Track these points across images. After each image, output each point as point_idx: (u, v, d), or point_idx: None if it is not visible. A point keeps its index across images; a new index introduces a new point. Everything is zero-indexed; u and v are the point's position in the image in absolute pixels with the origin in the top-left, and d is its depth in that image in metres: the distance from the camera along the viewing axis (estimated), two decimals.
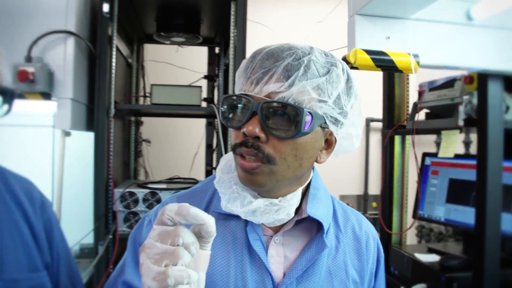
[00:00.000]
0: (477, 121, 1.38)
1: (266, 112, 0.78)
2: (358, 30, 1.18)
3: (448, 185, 1.82)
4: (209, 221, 0.63)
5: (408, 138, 1.93)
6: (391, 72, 1.93)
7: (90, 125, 2.00)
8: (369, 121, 3.40)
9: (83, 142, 2.04)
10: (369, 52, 1.18)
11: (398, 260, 1.84)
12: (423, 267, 1.65)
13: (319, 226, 0.91)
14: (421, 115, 1.88)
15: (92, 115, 1.96)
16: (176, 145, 3.16)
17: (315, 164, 0.91)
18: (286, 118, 0.78)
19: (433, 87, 1.67)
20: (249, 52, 1.98)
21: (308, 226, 0.92)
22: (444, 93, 1.61)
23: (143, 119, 2.88)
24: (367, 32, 1.19)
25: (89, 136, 1.96)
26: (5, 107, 0.87)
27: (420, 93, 1.75)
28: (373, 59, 1.18)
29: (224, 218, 0.89)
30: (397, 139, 1.91)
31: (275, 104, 0.78)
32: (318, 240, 0.90)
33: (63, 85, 1.77)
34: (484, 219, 1.35)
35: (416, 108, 1.76)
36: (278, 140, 0.79)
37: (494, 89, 1.36)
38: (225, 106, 0.84)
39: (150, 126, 2.99)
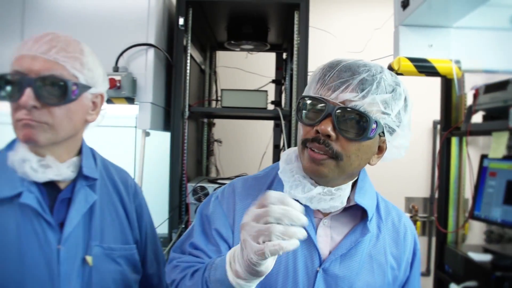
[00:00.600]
0: None
1: (340, 116, 0.93)
2: (402, 39, 1.29)
3: (505, 187, 1.84)
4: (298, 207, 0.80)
5: (465, 139, 1.97)
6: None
7: (167, 126, 2.24)
8: (436, 123, 3.38)
9: (161, 141, 2.29)
10: (412, 59, 1.28)
11: (452, 259, 1.89)
12: (475, 266, 1.69)
13: (364, 214, 1.05)
14: (478, 118, 1.91)
15: (168, 117, 2.20)
16: (245, 146, 3.36)
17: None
18: (356, 123, 0.93)
19: (487, 89, 1.70)
20: (312, 58, 2.12)
21: (354, 214, 1.07)
22: (497, 96, 1.64)
23: (215, 120, 3.10)
24: (410, 41, 1.29)
25: (166, 136, 2.20)
26: (65, 96, 1.04)
27: (475, 96, 1.78)
28: (415, 66, 1.28)
29: None
30: (454, 140, 1.95)
31: (349, 110, 0.92)
32: (363, 225, 1.04)
33: (144, 91, 2.02)
34: None
35: (471, 110, 1.80)
36: (346, 140, 0.94)
37: None
38: (302, 105, 0.98)
39: (221, 127, 3.21)
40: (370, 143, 0.97)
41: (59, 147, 1.08)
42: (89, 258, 1.07)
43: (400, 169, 3.55)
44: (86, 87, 1.08)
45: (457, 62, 1.28)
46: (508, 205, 1.79)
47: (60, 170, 1.07)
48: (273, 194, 0.79)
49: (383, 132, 0.96)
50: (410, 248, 1.13)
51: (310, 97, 0.97)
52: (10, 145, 1.10)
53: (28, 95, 0.98)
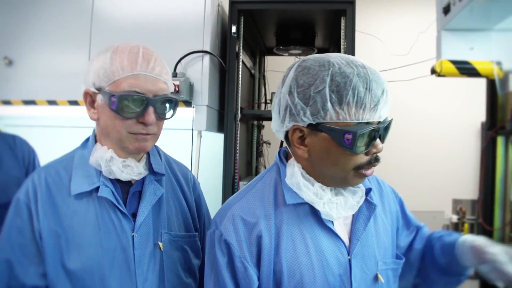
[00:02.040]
0: None
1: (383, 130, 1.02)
2: (444, 43, 1.36)
3: None
4: None
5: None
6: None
7: (220, 127, 2.39)
8: (484, 125, 3.36)
9: (215, 143, 2.44)
10: (453, 62, 1.35)
11: None
12: None
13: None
14: None
15: (222, 119, 2.35)
16: None
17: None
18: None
19: None
20: None
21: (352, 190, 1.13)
22: None
23: (264, 123, 3.23)
24: (452, 45, 1.36)
25: (220, 137, 2.35)
26: (171, 112, 1.21)
27: None
28: (457, 68, 1.35)
29: (293, 206, 1.06)
30: (500, 140, 1.99)
31: (387, 123, 1.02)
32: (367, 201, 1.11)
33: (200, 95, 2.18)
34: None
35: None
36: None
37: None
38: (358, 140, 0.96)
39: (270, 129, 3.32)
40: None
41: None
42: (160, 244, 1.20)
43: (448, 171, 3.55)
44: None
45: (498, 63, 1.34)
46: None
47: (139, 170, 1.21)
48: None
49: None
50: (393, 199, 1.24)
51: (363, 126, 0.96)
52: (84, 146, 1.24)
53: (151, 113, 1.12)
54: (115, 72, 1.11)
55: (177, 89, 2.09)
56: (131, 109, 1.11)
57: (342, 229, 1.09)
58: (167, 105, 1.18)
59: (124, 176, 1.17)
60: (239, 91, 2.32)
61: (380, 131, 0.97)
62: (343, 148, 0.95)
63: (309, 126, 0.98)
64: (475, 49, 1.35)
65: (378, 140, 0.98)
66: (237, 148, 2.31)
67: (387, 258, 1.13)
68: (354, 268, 1.06)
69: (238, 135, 2.32)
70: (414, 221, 1.27)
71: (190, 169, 2.28)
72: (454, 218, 3.66)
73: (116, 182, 1.20)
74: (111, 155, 1.18)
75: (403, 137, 4.05)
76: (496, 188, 2.00)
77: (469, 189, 3.51)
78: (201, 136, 2.23)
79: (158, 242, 1.20)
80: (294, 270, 1.01)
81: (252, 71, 3.04)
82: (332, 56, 0.99)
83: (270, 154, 3.23)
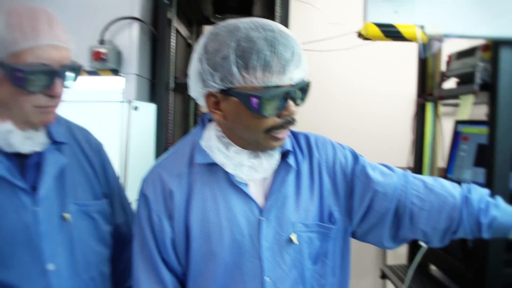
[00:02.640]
0: (490, 86, 1.50)
1: (298, 94, 1.01)
2: (369, 6, 1.35)
3: (476, 150, 1.92)
4: None
5: (444, 109, 2.05)
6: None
7: (153, 98, 2.31)
8: None
9: (147, 113, 2.35)
10: (378, 25, 1.34)
11: None
12: None
13: (283, 154, 1.13)
14: (453, 85, 1.99)
15: (155, 89, 2.27)
16: None
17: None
18: (305, 92, 1.04)
19: (458, 55, 1.78)
20: (293, 31, 2.17)
21: (270, 152, 1.12)
22: (467, 61, 1.71)
23: None
24: (377, 8, 1.35)
25: (153, 108, 2.27)
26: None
27: (448, 62, 1.86)
28: (382, 31, 1.35)
29: (207, 167, 1.09)
30: (429, 107, 2.03)
31: (302, 85, 1.01)
32: (284, 163, 1.12)
33: (129, 63, 2.09)
34: (493, 178, 1.47)
35: (443, 76, 1.88)
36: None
37: (506, 55, 1.47)
38: (265, 103, 0.96)
39: None
40: None
41: None
42: (67, 215, 1.15)
43: (383, 139, 3.64)
44: None
45: (421, 27, 1.35)
46: (477, 167, 1.88)
47: (41, 139, 1.13)
48: None
49: None
50: (331, 152, 1.20)
51: (268, 87, 0.96)
52: None
53: (59, 85, 1.06)
54: (15, 42, 1.00)
55: (104, 57, 2.00)
56: (39, 83, 1.03)
57: (258, 189, 1.11)
58: (72, 73, 1.10)
59: (26, 149, 1.10)
60: (172, 60, 2.25)
61: (292, 94, 0.98)
62: (252, 111, 0.96)
63: (222, 91, 0.99)
64: (399, 12, 1.35)
65: (290, 103, 0.99)
66: (169, 118, 2.25)
67: (309, 221, 1.12)
68: (266, 228, 1.08)
69: (171, 105, 2.25)
70: (376, 181, 1.16)
71: (120, 142, 2.23)
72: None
73: (13, 156, 1.10)
74: (9, 128, 1.08)
75: (339, 107, 4.13)
76: (424, 155, 2.05)
77: (404, 157, 3.62)
78: (132, 106, 2.14)
79: (65, 213, 1.15)
80: (203, 227, 1.06)
81: (189, 41, 2.96)
82: (243, 22, 0.99)
83: None
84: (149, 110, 2.24)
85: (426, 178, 1.20)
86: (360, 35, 1.40)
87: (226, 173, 1.07)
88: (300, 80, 1.00)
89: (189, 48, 2.99)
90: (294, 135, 1.22)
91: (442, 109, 2.08)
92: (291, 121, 1.03)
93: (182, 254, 1.08)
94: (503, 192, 1.46)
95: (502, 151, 1.47)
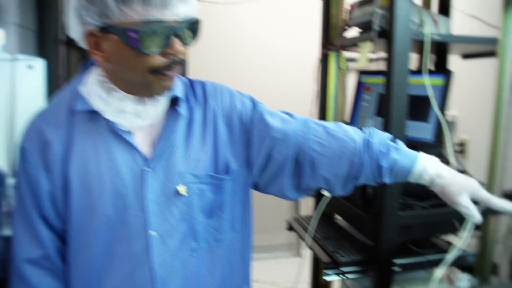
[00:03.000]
0: (387, 32, 1.48)
1: (183, 30, 0.95)
2: None
3: (377, 99, 1.95)
4: None
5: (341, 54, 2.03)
6: None
7: (42, 53, 2.08)
8: None
9: (35, 70, 2.12)
10: None
11: None
12: None
13: (172, 101, 1.08)
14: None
15: (44, 43, 2.04)
16: None
17: None
18: (193, 30, 0.99)
19: (360, 4, 1.75)
20: None
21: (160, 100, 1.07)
22: (367, 10, 1.69)
23: None
24: None
25: (40, 64, 2.04)
26: None
27: (350, 11, 1.83)
28: None
29: (88, 116, 1.03)
30: (332, 57, 2.01)
31: (188, 22, 0.96)
32: (173, 111, 1.07)
33: (7, 11, 1.84)
34: (389, 126, 1.48)
35: (345, 25, 1.85)
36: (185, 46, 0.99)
37: (402, 2, 1.45)
38: (143, 38, 0.92)
39: None
40: None
41: None
42: None
43: (294, 94, 3.66)
44: None
45: None
46: (378, 116, 1.91)
47: None
48: None
49: None
50: (227, 100, 1.15)
51: (144, 22, 0.91)
52: None
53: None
54: None
55: None
56: None
57: (145, 138, 1.05)
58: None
59: None
60: (59, 7, 2.02)
61: (177, 31, 0.93)
62: (132, 49, 0.92)
63: (101, 29, 0.93)
64: None
65: (175, 41, 0.94)
66: (61, 75, 2.04)
67: (200, 171, 1.07)
68: (151, 179, 1.02)
69: (63, 61, 2.05)
70: (275, 127, 1.13)
71: (4, 102, 2.01)
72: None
73: None
74: None
75: (247, 62, 4.10)
76: (328, 106, 2.05)
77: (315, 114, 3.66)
78: (29, 68, 1.92)
79: None
80: (83, 179, 1.01)
81: None
82: None
83: None
84: (37, 67, 2.02)
85: (327, 123, 1.17)
86: None
87: (109, 121, 1.02)
88: (188, 17, 0.94)
89: None
90: (191, 82, 1.16)
91: (347, 63, 2.08)
92: (178, 61, 0.97)
93: (62, 209, 1.03)
94: (400, 139, 1.47)
95: (398, 98, 1.47)
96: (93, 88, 1.02)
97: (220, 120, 1.12)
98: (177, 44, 0.94)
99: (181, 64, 0.98)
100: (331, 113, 2.03)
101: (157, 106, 1.04)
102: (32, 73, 2.00)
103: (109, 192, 1.01)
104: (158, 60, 0.94)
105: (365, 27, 1.75)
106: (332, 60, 2.00)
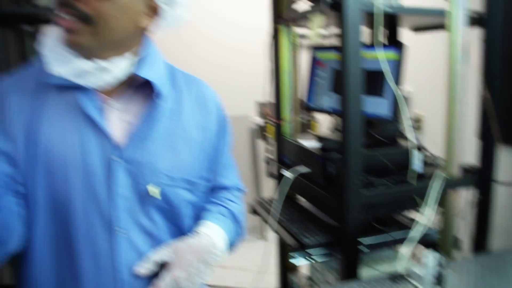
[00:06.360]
0: (338, 4, 1.42)
1: None
2: None
3: (332, 75, 1.90)
4: None
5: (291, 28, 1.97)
6: None
7: None
8: None
9: None
10: None
11: (288, 149, 1.95)
12: (307, 152, 1.75)
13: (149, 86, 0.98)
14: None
15: None
16: None
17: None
18: None
19: None
20: None
21: (146, 93, 0.99)
22: None
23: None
24: None
25: None
26: None
27: None
28: None
29: (57, 90, 0.93)
30: (284, 32, 1.94)
31: None
32: (155, 103, 0.97)
33: None
34: (346, 103, 1.43)
35: None
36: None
37: None
38: None
39: None
40: (128, 1, 0.88)
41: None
42: None
43: (249, 74, 3.58)
44: None
45: None
46: (335, 93, 1.87)
47: None
48: None
49: None
50: (214, 118, 1.10)
51: None
52: None
53: None
54: None
55: None
56: None
57: (121, 127, 0.96)
58: None
59: None
60: None
61: None
62: None
63: None
64: None
65: None
66: None
67: (176, 174, 0.99)
68: (119, 172, 0.93)
69: None
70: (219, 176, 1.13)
71: None
72: (260, 120, 3.77)
73: None
74: None
75: (201, 44, 3.99)
76: (283, 83, 1.99)
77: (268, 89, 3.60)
78: None
79: None
80: (48, 157, 0.91)
81: None
82: None
83: None
84: None
85: (236, 209, 1.15)
86: None
87: (78, 98, 0.92)
88: None
89: None
90: (187, 78, 1.09)
91: (300, 40, 2.01)
92: (67, 4, 0.84)
93: (23, 175, 0.92)
94: (358, 116, 1.44)
95: (353, 73, 1.42)
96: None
97: (204, 125, 1.07)
98: None
99: (71, 8, 0.84)
100: (286, 90, 1.97)
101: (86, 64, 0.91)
102: None
103: (76, 181, 0.91)
104: None
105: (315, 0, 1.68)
106: (284, 36, 1.93)
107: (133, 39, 0.95)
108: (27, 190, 0.92)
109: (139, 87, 0.99)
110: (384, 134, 1.69)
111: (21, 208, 0.91)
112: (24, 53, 2.51)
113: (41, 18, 2.39)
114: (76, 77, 0.90)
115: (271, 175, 3.49)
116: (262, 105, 3.70)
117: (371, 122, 1.69)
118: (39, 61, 0.95)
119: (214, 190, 1.13)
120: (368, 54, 1.57)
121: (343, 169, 1.46)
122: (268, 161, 3.51)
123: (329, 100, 1.90)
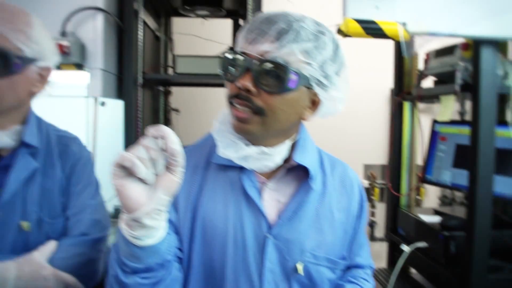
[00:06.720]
0: (471, 86, 1.44)
1: (258, 69, 0.89)
2: (349, 1, 1.27)
3: (455, 150, 1.88)
4: (177, 147, 0.75)
5: (419, 105, 2.00)
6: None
7: (120, 94, 2.18)
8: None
9: (114, 110, 2.22)
10: (359, 21, 1.26)
11: (404, 221, 1.94)
12: (425, 227, 1.74)
13: (307, 174, 1.03)
14: (430, 83, 1.94)
15: (122, 85, 2.13)
16: (203, 114, 3.31)
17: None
18: (275, 75, 0.89)
19: (437, 54, 1.72)
20: None
21: (297, 174, 1.05)
22: (446, 60, 1.66)
23: (173, 89, 3.03)
24: (357, 3, 1.27)
25: (120, 105, 2.14)
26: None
27: (426, 60, 1.80)
28: (363, 28, 1.27)
29: (223, 169, 1.02)
30: (406, 106, 1.97)
31: (265, 62, 0.89)
32: (306, 185, 1.03)
33: (94, 57, 1.95)
34: (476, 181, 1.42)
35: (421, 75, 1.82)
36: (267, 94, 0.91)
37: (487, 55, 1.41)
38: (225, 61, 0.95)
39: (178, 96, 3.15)
40: (295, 96, 0.94)
41: (2, 116, 1.10)
42: (25, 224, 1.11)
43: (358, 136, 3.60)
44: (32, 60, 1.08)
45: (403, 24, 1.28)
46: (457, 168, 1.84)
47: (3, 138, 1.10)
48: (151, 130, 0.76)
49: (311, 84, 0.94)
50: (357, 200, 1.13)
51: (230, 53, 0.94)
52: None
53: None
54: None
55: (66, 50, 1.85)
56: None
57: (272, 205, 1.02)
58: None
59: None
60: (139, 53, 2.12)
61: (248, 64, 0.90)
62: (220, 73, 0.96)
63: None
64: (381, 8, 1.27)
65: (246, 75, 0.90)
66: (139, 115, 2.12)
67: (320, 253, 1.03)
68: (270, 248, 0.99)
69: (140, 102, 2.13)
70: (355, 255, 1.14)
71: (86, 141, 2.10)
72: (366, 183, 3.75)
73: None
74: None
75: None
76: (403, 155, 2.00)
77: (379, 155, 3.59)
78: (99, 102, 2.01)
79: (23, 221, 1.11)
80: (207, 229, 0.99)
81: (157, 34, 2.82)
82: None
83: (180, 123, 3.06)
84: (116, 107, 2.11)
85: (368, 287, 1.15)
86: (340, 31, 1.32)
87: (241, 177, 1.00)
88: (273, 59, 0.89)
89: (157, 41, 2.85)
90: (332, 161, 1.14)
91: (419, 106, 2.03)
92: (241, 97, 0.92)
93: (185, 246, 1.00)
94: (487, 195, 1.41)
95: (485, 153, 1.41)
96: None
97: (347, 208, 1.10)
98: (244, 78, 0.90)
99: (245, 100, 0.92)
100: (405, 162, 1.98)
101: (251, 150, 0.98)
102: (109, 111, 2.09)
103: (230, 251, 0.98)
104: (233, 89, 0.94)
105: (443, 77, 1.72)
106: (406, 110, 1.97)
107: (294, 127, 1.04)
108: (183, 255, 1.01)
109: (290, 169, 1.05)
110: None
111: (180, 272, 1.00)
112: (157, 106, 2.82)
113: (170, 82, 2.72)
114: (241, 161, 0.98)
115: (374, 238, 3.42)
116: (368, 167, 3.69)
117: (498, 201, 1.64)
118: (209, 140, 1.06)
119: (349, 268, 1.15)
120: (499, 132, 1.55)
121: (468, 250, 1.42)
122: (371, 224, 3.45)
123: (450, 174, 1.87)
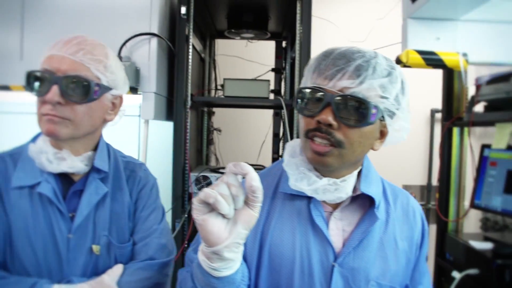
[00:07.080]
0: None
1: (339, 104, 0.92)
2: (410, 32, 1.30)
3: (506, 176, 1.87)
4: (257, 183, 0.81)
5: (467, 129, 1.99)
6: None
7: (169, 115, 2.24)
8: (434, 112, 3.40)
9: (164, 131, 2.29)
10: (420, 52, 1.29)
11: (453, 247, 1.92)
12: (476, 254, 1.72)
13: (371, 202, 1.05)
14: (480, 108, 1.93)
15: (171, 107, 2.20)
16: (244, 134, 3.37)
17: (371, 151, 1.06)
18: (356, 109, 0.93)
19: (490, 80, 1.72)
20: (314, 47, 2.12)
21: (362, 203, 1.07)
22: (500, 87, 1.66)
23: (215, 109, 3.10)
24: (418, 34, 1.30)
25: (169, 125, 2.20)
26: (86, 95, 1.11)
27: (478, 87, 1.80)
28: (423, 59, 1.29)
29: (290, 198, 1.06)
30: (455, 130, 1.97)
31: (348, 97, 0.92)
32: (371, 213, 1.04)
33: (148, 80, 2.02)
34: None
35: (473, 101, 1.82)
36: (347, 127, 0.94)
37: None
38: (301, 96, 0.98)
39: (221, 116, 3.21)
40: (371, 129, 0.97)
41: (77, 142, 1.16)
42: (96, 248, 1.16)
43: (398, 156, 3.58)
44: (107, 88, 1.15)
45: (464, 55, 1.30)
46: (508, 194, 1.83)
47: (74, 163, 1.14)
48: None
49: (383, 116, 0.97)
50: (419, 229, 1.14)
51: (309, 88, 0.97)
52: (35, 138, 1.19)
53: (54, 91, 1.05)
54: (42, 57, 1.11)
55: None
56: (36, 87, 1.09)
57: (338, 234, 1.05)
58: (80, 87, 1.09)
59: (53, 168, 1.12)
60: (189, 77, 2.18)
61: (329, 100, 0.93)
62: (295, 108, 1.01)
63: None
64: (441, 39, 1.29)
65: (326, 110, 0.94)
66: (187, 137, 2.18)
67: (384, 281, 1.05)
68: (336, 276, 1.01)
69: (188, 124, 2.19)
70: (417, 284, 1.14)
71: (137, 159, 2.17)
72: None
73: (59, 179, 1.15)
74: (42, 146, 1.13)
75: None
76: (451, 178, 1.99)
77: (419, 175, 3.56)
78: (148, 125, 2.08)
79: (94, 245, 1.16)
80: (274, 257, 1.02)
81: (202, 55, 2.89)
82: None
83: (221, 142, 3.11)
84: (166, 129, 2.18)
85: None
86: (398, 61, 1.34)
87: (308, 207, 1.04)
88: (353, 94, 0.92)
89: (202, 62, 2.92)
90: (393, 190, 1.16)
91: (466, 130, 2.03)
92: (321, 130, 0.95)
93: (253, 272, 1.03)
94: None
95: None
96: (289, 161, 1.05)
97: (409, 237, 1.11)
98: (325, 112, 0.93)
99: (325, 133, 0.95)
100: (454, 188, 1.98)
101: (321, 182, 1.00)
102: (160, 132, 2.15)
103: (297, 279, 1.01)
104: (311, 123, 0.96)
105: (495, 104, 1.72)
106: (455, 135, 1.97)
107: (362, 159, 1.07)
108: (250, 282, 1.04)
109: (355, 197, 1.07)
110: None
111: None
112: (200, 126, 2.88)
113: (212, 103, 2.78)
114: (314, 193, 1.01)
115: None
116: (407, 188, 3.66)
117: None
118: (275, 169, 1.11)
119: None
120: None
121: None
122: None
123: (501, 201, 1.86)
